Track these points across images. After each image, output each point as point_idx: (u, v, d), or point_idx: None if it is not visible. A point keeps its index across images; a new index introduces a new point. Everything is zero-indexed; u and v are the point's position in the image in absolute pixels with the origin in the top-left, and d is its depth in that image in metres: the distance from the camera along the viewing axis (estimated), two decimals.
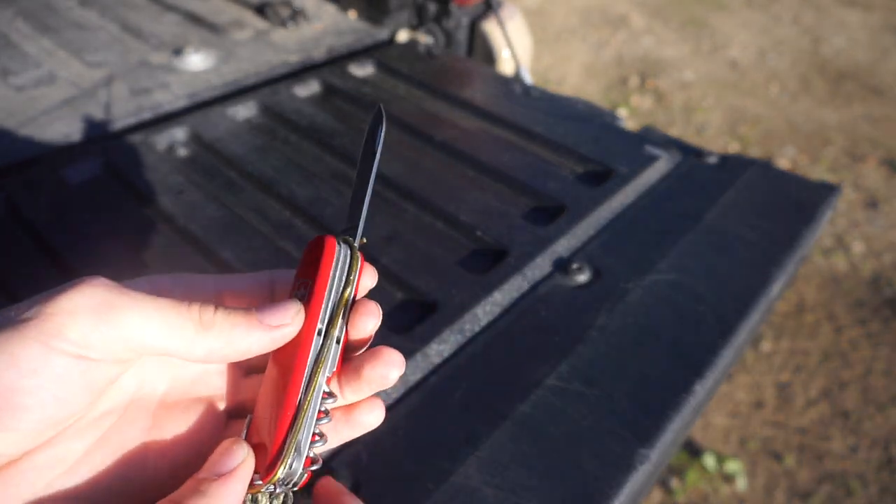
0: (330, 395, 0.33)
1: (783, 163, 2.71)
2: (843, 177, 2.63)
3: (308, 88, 1.17)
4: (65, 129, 1.00)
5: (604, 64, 3.40)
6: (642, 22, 3.85)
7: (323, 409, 0.33)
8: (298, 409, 0.32)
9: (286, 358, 0.33)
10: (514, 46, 1.40)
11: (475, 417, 0.60)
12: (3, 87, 1.09)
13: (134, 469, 0.33)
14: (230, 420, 0.37)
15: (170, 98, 1.10)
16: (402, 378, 0.64)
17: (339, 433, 0.36)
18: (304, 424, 0.32)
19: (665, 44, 3.62)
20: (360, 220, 0.38)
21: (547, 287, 0.76)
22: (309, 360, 0.33)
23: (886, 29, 3.88)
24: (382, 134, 0.39)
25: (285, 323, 0.33)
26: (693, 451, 1.62)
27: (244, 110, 1.09)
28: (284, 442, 0.32)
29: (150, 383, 0.34)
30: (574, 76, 3.29)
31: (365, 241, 0.38)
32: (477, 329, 0.71)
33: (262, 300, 0.36)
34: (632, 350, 0.68)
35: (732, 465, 1.58)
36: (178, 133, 1.02)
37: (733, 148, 2.79)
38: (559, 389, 0.63)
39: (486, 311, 0.73)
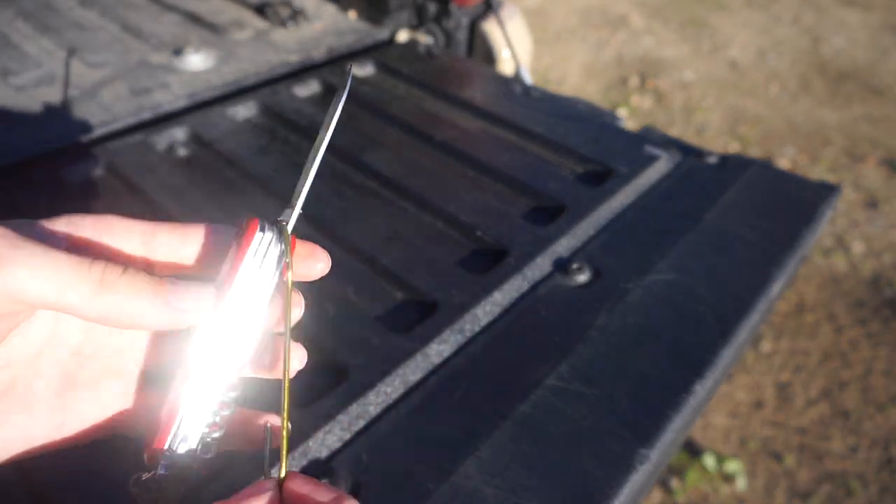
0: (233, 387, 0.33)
1: (783, 163, 2.71)
2: (843, 177, 2.63)
3: (308, 88, 1.17)
4: (65, 129, 1.00)
5: (604, 64, 3.40)
6: (642, 22, 3.85)
7: (223, 400, 0.32)
8: (185, 401, 0.32)
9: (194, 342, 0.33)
10: (514, 46, 1.40)
11: (475, 417, 0.60)
12: (3, 87, 1.09)
13: (41, 421, 0.32)
14: (147, 383, 0.36)
15: (170, 98, 1.10)
16: (402, 378, 0.64)
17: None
18: (188, 418, 0.32)
19: (665, 44, 3.62)
20: (299, 196, 0.36)
21: (547, 287, 0.76)
22: (206, 351, 0.32)
23: (886, 29, 3.88)
24: (343, 99, 0.36)
25: (192, 310, 0.31)
26: (693, 451, 1.62)
27: (244, 110, 1.09)
28: (170, 430, 0.31)
29: (62, 335, 0.33)
30: (574, 76, 3.29)
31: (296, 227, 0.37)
32: (477, 329, 0.71)
33: (191, 255, 0.34)
34: (632, 350, 0.68)
35: (732, 465, 1.58)
36: (179, 133, 1.02)
37: (733, 148, 2.79)
38: (559, 389, 0.63)
39: (486, 311, 0.73)
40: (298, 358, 0.34)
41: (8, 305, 0.28)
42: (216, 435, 0.33)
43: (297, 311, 0.35)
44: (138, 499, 0.32)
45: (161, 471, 0.32)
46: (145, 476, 0.32)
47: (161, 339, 0.36)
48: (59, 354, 0.33)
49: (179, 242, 0.34)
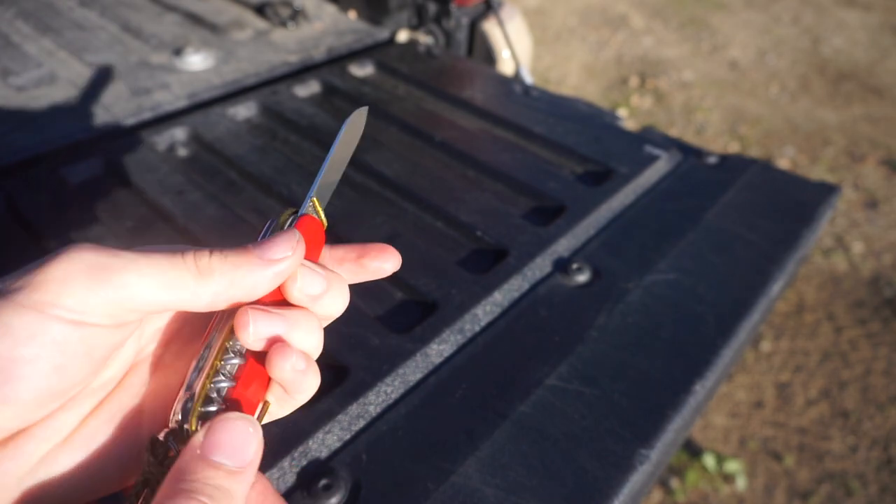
0: (238, 354, 0.32)
1: (783, 163, 2.71)
2: (843, 177, 2.63)
3: (308, 88, 1.17)
4: (65, 129, 1.00)
5: (604, 64, 3.40)
6: (642, 22, 3.85)
7: (225, 371, 0.32)
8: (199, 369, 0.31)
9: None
10: (514, 46, 1.40)
11: (475, 417, 0.60)
12: (3, 87, 1.09)
13: (129, 434, 0.32)
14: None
15: (170, 98, 1.10)
16: (402, 378, 0.64)
17: (354, 275, 0.36)
18: (202, 380, 0.31)
19: (665, 44, 3.62)
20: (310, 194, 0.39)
21: (547, 287, 0.76)
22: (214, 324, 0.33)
23: (886, 29, 3.88)
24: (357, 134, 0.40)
25: (286, 255, 0.31)
26: (693, 451, 1.62)
27: (244, 110, 1.09)
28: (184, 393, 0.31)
29: (146, 347, 0.33)
30: (574, 76, 3.29)
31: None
32: (477, 329, 0.71)
33: None
34: (632, 350, 0.68)
35: (732, 465, 1.58)
36: (179, 133, 1.02)
37: (733, 148, 2.79)
38: (559, 389, 0.63)
39: (486, 311, 0.73)
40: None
41: (124, 314, 0.29)
42: (225, 385, 0.32)
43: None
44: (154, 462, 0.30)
45: (181, 421, 0.31)
46: (165, 432, 0.31)
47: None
48: (143, 368, 0.34)
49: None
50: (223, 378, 0.31)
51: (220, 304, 0.31)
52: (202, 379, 0.31)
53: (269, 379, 0.33)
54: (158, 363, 0.34)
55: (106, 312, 0.28)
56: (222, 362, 0.31)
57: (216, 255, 0.30)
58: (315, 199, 0.38)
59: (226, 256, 0.30)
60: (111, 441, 0.31)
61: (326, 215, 0.38)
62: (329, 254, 0.37)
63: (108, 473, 0.31)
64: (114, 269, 0.28)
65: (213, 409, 0.31)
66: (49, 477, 0.29)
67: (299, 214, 0.37)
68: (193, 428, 0.29)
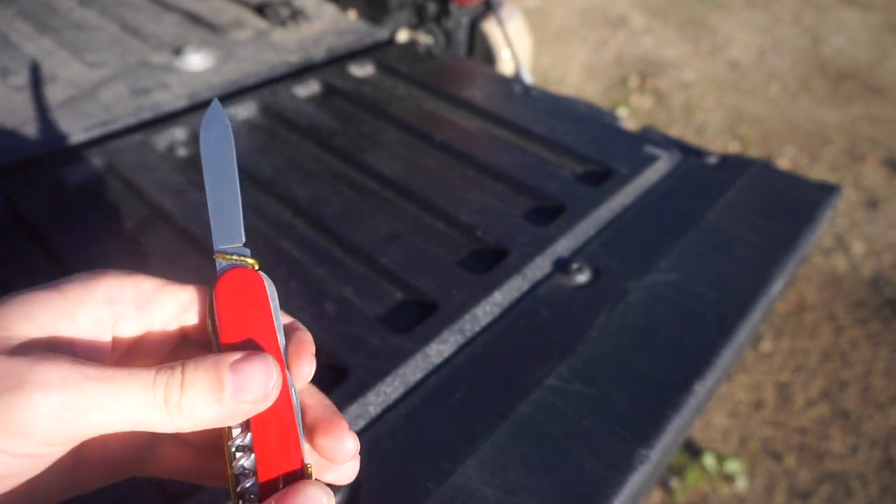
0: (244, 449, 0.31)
1: (783, 163, 2.71)
2: (843, 177, 2.62)
3: (308, 88, 1.17)
4: (65, 129, 1.00)
5: (604, 64, 3.40)
6: (642, 22, 3.85)
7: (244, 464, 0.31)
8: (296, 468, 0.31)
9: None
10: (514, 46, 1.40)
11: (475, 417, 0.60)
12: (3, 88, 1.09)
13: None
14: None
15: (170, 98, 1.10)
16: (402, 378, 0.64)
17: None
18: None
19: (665, 44, 3.62)
20: (241, 232, 0.35)
21: (547, 287, 0.76)
22: (295, 412, 0.32)
23: (886, 29, 3.88)
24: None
25: (257, 399, 0.30)
26: (693, 451, 1.62)
27: (244, 110, 1.09)
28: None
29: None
30: (574, 76, 3.29)
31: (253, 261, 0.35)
32: (477, 329, 0.71)
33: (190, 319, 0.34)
34: (632, 350, 0.68)
35: (732, 465, 1.58)
36: (178, 133, 1.02)
37: (733, 148, 2.79)
38: (559, 389, 0.63)
39: (486, 311, 0.73)
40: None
41: (79, 441, 0.29)
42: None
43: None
44: None
45: None
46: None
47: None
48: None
49: (175, 313, 0.34)
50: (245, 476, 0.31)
51: (184, 432, 0.30)
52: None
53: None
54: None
55: (67, 440, 0.28)
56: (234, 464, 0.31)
57: (188, 388, 0.29)
58: (219, 251, 0.34)
59: (196, 395, 0.29)
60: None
61: (255, 249, 0.34)
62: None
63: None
64: (82, 408, 0.27)
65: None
66: None
67: (216, 277, 0.33)
68: None
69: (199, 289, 0.34)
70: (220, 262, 0.34)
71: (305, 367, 0.33)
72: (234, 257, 0.34)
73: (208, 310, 0.33)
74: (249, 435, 0.31)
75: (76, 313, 0.31)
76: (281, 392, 0.31)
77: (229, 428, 0.31)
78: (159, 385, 0.29)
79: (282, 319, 0.34)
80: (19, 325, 0.29)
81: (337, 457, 0.32)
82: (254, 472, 0.31)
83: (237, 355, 0.30)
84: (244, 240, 0.35)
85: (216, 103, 0.39)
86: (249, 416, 0.30)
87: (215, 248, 0.34)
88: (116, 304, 0.32)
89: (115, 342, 0.33)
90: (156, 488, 0.53)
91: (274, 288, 0.34)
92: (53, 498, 0.31)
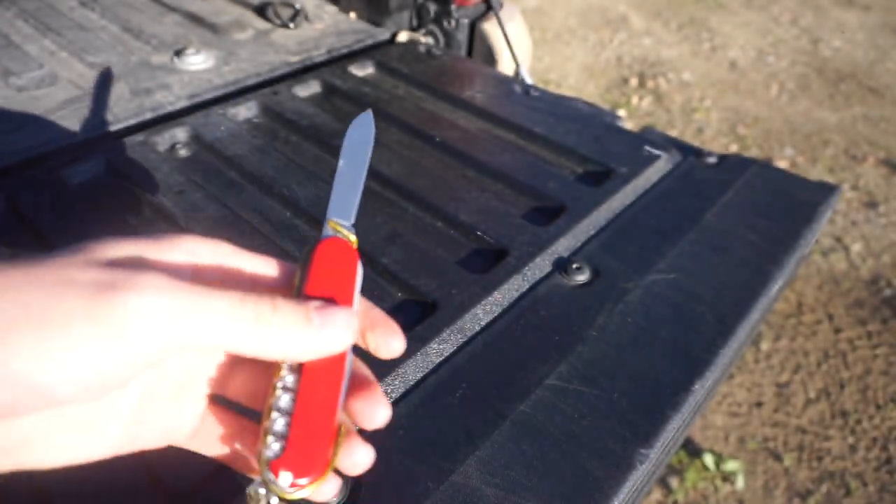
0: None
1: (783, 163, 2.71)
2: (842, 177, 2.63)
3: (308, 89, 1.17)
4: (66, 130, 1.00)
5: (604, 64, 3.40)
6: (642, 22, 3.85)
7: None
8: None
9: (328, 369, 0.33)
10: (514, 46, 1.40)
11: (475, 417, 0.61)
12: (4, 88, 1.09)
13: (116, 433, 0.33)
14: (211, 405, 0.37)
15: (171, 98, 1.10)
16: (402, 378, 0.64)
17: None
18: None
19: (665, 44, 3.62)
20: (352, 214, 0.39)
21: (547, 287, 0.76)
22: (345, 376, 0.33)
23: (885, 29, 3.88)
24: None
25: (338, 340, 0.32)
26: (693, 450, 1.62)
27: (245, 111, 1.09)
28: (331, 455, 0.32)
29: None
30: (574, 76, 3.29)
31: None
32: (477, 329, 0.71)
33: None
34: (632, 350, 0.68)
35: (732, 465, 1.58)
36: (179, 133, 1.02)
37: (733, 148, 2.79)
38: (559, 389, 0.63)
39: (486, 310, 0.73)
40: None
41: (169, 353, 0.29)
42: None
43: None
44: None
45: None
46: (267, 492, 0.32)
47: (236, 366, 0.37)
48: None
49: (278, 278, 0.36)
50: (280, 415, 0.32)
51: (263, 355, 0.31)
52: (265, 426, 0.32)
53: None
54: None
55: (168, 348, 0.29)
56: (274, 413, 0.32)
57: (279, 309, 0.31)
58: (333, 220, 0.38)
59: (287, 313, 0.31)
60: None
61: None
62: None
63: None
64: (171, 311, 0.28)
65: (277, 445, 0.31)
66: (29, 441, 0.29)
67: (320, 238, 0.36)
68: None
69: (274, 258, 0.36)
70: (328, 229, 0.38)
71: (393, 341, 0.36)
72: (343, 230, 0.38)
73: (301, 264, 0.35)
74: (297, 379, 0.32)
75: (163, 257, 0.32)
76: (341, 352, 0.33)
77: (280, 368, 0.33)
78: (249, 303, 0.30)
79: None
80: (112, 253, 0.31)
81: (369, 419, 0.34)
82: (289, 413, 0.32)
83: (322, 302, 0.33)
84: (353, 221, 0.39)
85: (370, 114, 0.46)
86: (323, 354, 0.32)
87: (328, 216, 0.39)
88: (197, 258, 0.33)
89: None
90: (156, 488, 0.54)
91: (362, 272, 0.37)
92: (108, 443, 0.32)
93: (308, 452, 0.31)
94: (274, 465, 0.31)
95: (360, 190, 0.41)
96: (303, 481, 0.31)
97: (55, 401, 0.27)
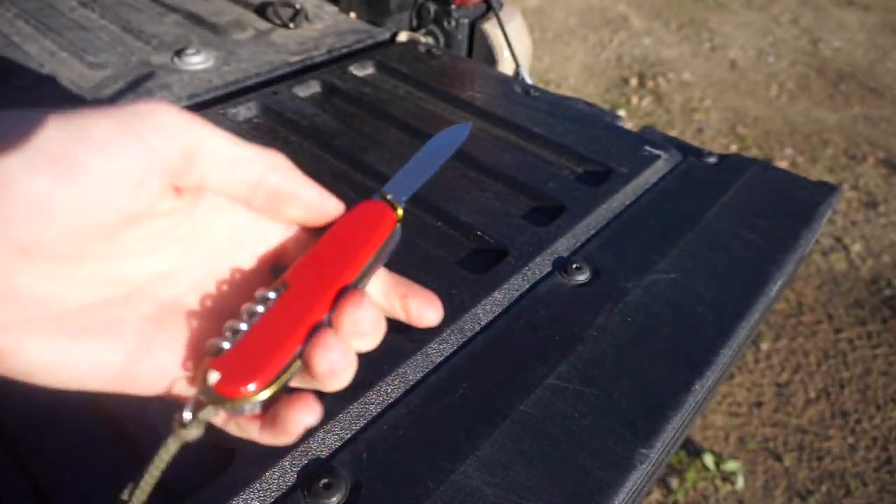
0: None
1: (783, 163, 2.71)
2: (843, 177, 2.63)
3: (308, 89, 1.17)
4: None
5: (604, 64, 3.40)
6: (642, 22, 3.85)
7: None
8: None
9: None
10: (514, 46, 1.40)
11: (475, 417, 0.61)
12: (4, 88, 1.09)
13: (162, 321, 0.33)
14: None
15: (171, 98, 1.10)
16: (402, 377, 0.64)
17: (392, 311, 0.37)
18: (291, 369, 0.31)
19: (664, 44, 3.62)
20: (407, 196, 0.42)
21: (547, 287, 0.76)
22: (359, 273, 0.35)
23: (885, 29, 3.88)
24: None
25: (326, 214, 0.36)
26: (693, 450, 1.63)
27: (245, 111, 1.09)
28: (289, 359, 0.31)
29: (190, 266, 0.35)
30: (574, 76, 3.29)
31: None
32: (477, 329, 0.71)
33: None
34: (632, 350, 0.68)
35: (732, 465, 1.58)
36: None
37: (733, 148, 2.79)
38: (559, 389, 0.63)
39: (486, 310, 0.73)
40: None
41: (187, 164, 0.30)
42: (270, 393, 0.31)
43: None
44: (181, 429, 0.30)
45: (233, 409, 0.30)
46: (207, 409, 0.30)
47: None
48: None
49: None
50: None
51: (268, 208, 0.35)
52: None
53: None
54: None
55: (180, 152, 0.29)
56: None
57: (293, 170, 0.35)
58: (386, 191, 0.40)
59: (302, 177, 0.36)
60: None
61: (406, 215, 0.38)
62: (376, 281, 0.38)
63: (111, 360, 0.30)
64: (202, 125, 0.31)
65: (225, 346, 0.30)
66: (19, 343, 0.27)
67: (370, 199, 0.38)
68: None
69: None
70: (377, 196, 0.39)
71: (429, 311, 0.38)
72: (390, 198, 0.40)
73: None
74: (277, 298, 0.32)
75: None
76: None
77: (268, 285, 0.33)
78: (268, 153, 0.35)
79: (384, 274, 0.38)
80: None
81: (424, 314, 0.36)
82: (253, 321, 0.31)
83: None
84: (404, 202, 0.41)
85: (469, 126, 0.48)
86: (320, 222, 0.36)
87: (384, 188, 0.41)
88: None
89: None
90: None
91: (396, 240, 0.39)
92: (106, 368, 0.30)
93: (249, 363, 0.30)
94: (212, 362, 0.29)
95: (423, 181, 0.43)
96: (230, 388, 0.29)
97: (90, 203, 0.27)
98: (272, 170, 0.34)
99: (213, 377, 0.29)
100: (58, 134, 0.27)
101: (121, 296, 0.31)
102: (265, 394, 0.30)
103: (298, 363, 0.31)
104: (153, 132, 0.29)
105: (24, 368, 0.27)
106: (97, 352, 0.29)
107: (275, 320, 0.31)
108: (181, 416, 0.29)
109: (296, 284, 0.33)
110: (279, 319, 0.31)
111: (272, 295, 0.32)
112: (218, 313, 0.34)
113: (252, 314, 0.31)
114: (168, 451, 0.30)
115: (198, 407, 0.30)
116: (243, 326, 0.31)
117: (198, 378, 0.30)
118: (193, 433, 0.29)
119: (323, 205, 0.37)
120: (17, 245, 0.25)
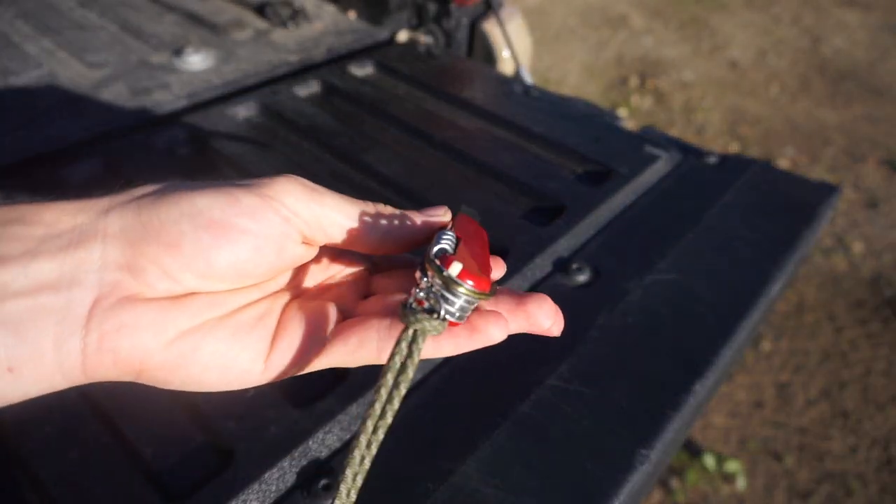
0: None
1: (783, 163, 2.71)
2: (843, 177, 2.63)
3: (308, 88, 1.17)
4: (65, 129, 1.00)
5: (604, 64, 3.40)
6: (642, 22, 3.85)
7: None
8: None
9: None
10: (514, 46, 1.40)
11: (475, 417, 0.60)
12: (3, 87, 1.09)
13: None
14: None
15: (170, 98, 1.10)
16: None
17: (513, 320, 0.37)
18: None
19: (665, 44, 3.62)
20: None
21: (547, 287, 0.76)
22: None
23: (886, 29, 3.88)
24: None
25: (440, 215, 0.40)
26: (693, 451, 1.62)
27: (244, 110, 1.09)
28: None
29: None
30: (574, 76, 3.29)
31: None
32: None
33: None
34: (632, 350, 0.68)
35: (732, 465, 1.58)
36: (179, 133, 1.02)
37: (733, 148, 2.79)
38: (559, 389, 0.63)
39: None
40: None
41: (316, 234, 0.34)
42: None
43: None
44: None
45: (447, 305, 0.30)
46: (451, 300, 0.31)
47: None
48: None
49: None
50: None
51: (380, 252, 0.38)
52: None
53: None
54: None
55: (308, 223, 0.33)
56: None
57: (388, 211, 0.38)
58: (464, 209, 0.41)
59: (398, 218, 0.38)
60: (258, 333, 0.35)
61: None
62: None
63: (246, 364, 0.33)
64: (322, 192, 0.34)
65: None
66: (197, 344, 0.31)
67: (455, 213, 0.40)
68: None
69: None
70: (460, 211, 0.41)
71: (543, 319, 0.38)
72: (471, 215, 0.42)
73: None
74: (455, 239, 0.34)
75: None
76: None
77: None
78: (369, 204, 0.38)
79: None
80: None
81: (542, 315, 0.37)
82: (454, 245, 0.34)
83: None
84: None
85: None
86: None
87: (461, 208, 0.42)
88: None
89: None
90: (156, 488, 0.53)
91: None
92: (245, 366, 0.33)
93: (474, 264, 0.31)
94: (447, 259, 0.31)
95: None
96: (470, 282, 0.30)
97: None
98: (382, 216, 0.38)
99: (456, 268, 0.30)
100: (214, 202, 0.32)
101: (266, 295, 0.36)
102: (493, 293, 0.32)
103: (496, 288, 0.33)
104: (285, 208, 0.33)
105: (199, 371, 0.32)
106: (253, 342, 0.33)
107: (469, 249, 0.33)
108: (418, 312, 0.30)
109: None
110: (472, 250, 0.33)
111: (451, 235, 0.34)
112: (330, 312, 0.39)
113: (443, 242, 0.34)
114: (419, 348, 0.30)
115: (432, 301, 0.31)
116: (448, 248, 0.33)
117: (430, 275, 0.31)
118: (438, 326, 0.31)
119: (428, 229, 0.40)
120: (196, 273, 0.31)
